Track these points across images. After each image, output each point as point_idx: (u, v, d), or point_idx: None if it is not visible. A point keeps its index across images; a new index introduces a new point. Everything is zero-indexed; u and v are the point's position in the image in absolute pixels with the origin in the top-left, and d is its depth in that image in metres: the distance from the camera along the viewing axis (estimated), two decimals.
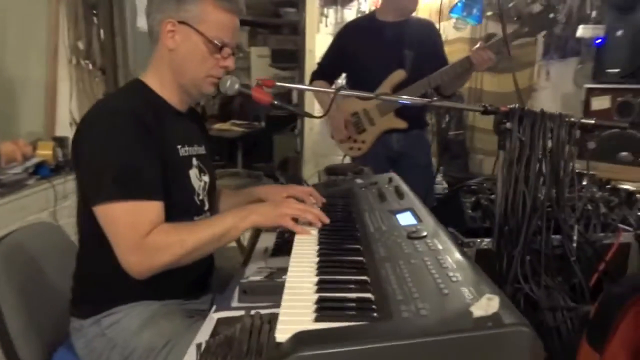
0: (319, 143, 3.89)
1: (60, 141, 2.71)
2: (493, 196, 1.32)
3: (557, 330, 1.08)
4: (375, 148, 2.31)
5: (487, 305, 0.58)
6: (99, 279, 1.15)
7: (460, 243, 1.20)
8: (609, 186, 1.45)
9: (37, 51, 2.80)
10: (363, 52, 2.26)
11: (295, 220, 1.09)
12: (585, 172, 1.29)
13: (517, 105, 1.17)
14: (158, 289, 1.13)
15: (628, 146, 2.09)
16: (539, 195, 1.13)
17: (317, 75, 2.44)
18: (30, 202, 2.38)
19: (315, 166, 3.61)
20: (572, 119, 1.14)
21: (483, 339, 0.54)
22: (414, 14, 2.33)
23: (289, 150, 4.61)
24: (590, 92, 2.48)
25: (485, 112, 1.20)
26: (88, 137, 1.09)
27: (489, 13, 3.41)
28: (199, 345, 0.85)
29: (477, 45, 2.10)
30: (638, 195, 1.40)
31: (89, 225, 1.09)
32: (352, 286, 0.79)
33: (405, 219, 1.04)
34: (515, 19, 2.93)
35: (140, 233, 1.01)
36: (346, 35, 2.39)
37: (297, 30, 4.55)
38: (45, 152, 2.57)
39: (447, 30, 3.73)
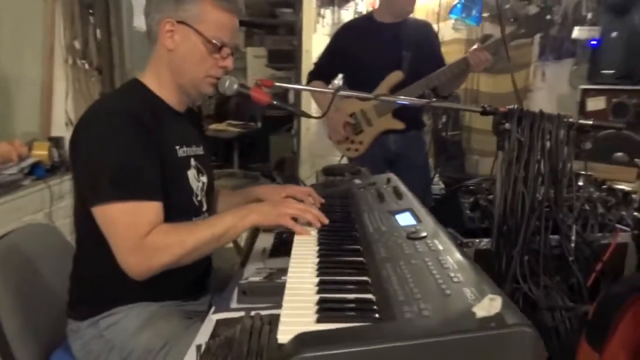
0: (316, 143, 3.89)
1: (56, 141, 2.70)
2: (491, 196, 1.33)
3: (555, 330, 1.09)
4: (372, 149, 2.31)
5: (489, 305, 0.58)
6: (97, 280, 1.14)
7: (459, 243, 1.20)
8: (605, 186, 1.46)
9: (33, 51, 2.79)
10: (360, 52, 2.26)
11: (295, 220, 1.09)
12: (582, 172, 1.30)
13: (515, 106, 1.18)
14: (156, 290, 1.12)
15: (623, 147, 2.11)
16: (537, 196, 1.13)
17: (314, 76, 2.43)
18: (26, 203, 2.37)
19: (312, 167, 3.61)
20: (571, 120, 1.15)
21: (486, 339, 0.54)
22: (411, 15, 2.34)
23: (286, 151, 4.60)
24: (586, 93, 2.50)
25: (484, 112, 1.20)
26: (86, 138, 1.08)
27: (486, 14, 3.43)
28: (199, 347, 0.84)
29: (474, 47, 2.11)
30: (634, 196, 1.41)
31: (86, 226, 1.08)
32: (353, 287, 0.79)
33: (405, 219, 1.04)
34: (511, 20, 2.95)
35: (140, 233, 1.01)
36: (344, 36, 2.39)
37: (293, 30, 4.55)
38: (40, 152, 2.55)
39: (444, 31, 3.75)
